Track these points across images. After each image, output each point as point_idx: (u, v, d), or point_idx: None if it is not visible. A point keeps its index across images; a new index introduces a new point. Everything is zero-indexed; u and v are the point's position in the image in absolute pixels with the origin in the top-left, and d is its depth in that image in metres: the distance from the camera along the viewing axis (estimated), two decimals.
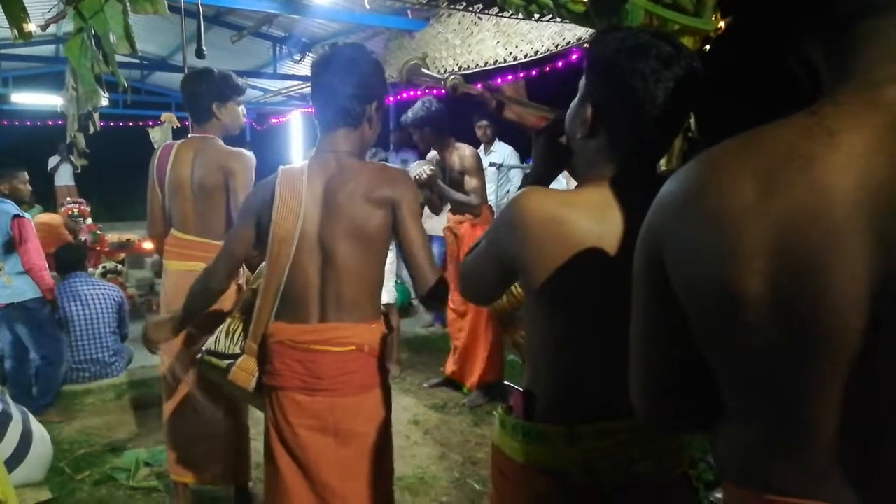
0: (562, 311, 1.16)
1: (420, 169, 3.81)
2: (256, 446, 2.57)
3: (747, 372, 0.75)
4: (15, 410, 1.02)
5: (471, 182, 3.85)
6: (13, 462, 1.05)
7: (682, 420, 0.91)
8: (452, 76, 1.75)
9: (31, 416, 1.04)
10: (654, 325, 0.86)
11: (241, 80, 2.65)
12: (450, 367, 4.27)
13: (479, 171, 3.88)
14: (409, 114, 3.87)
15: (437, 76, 1.72)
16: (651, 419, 0.92)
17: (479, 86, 1.69)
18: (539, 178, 1.37)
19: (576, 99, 1.21)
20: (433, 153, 4.00)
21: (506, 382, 1.13)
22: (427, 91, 3.81)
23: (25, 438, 1.02)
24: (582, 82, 1.20)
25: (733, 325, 0.73)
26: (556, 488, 1.17)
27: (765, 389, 0.74)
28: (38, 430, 1.01)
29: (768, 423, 0.75)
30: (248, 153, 2.58)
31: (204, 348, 1.92)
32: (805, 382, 0.70)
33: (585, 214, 1.12)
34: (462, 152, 3.89)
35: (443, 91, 1.93)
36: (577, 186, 1.23)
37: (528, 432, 1.21)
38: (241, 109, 2.70)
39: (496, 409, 3.74)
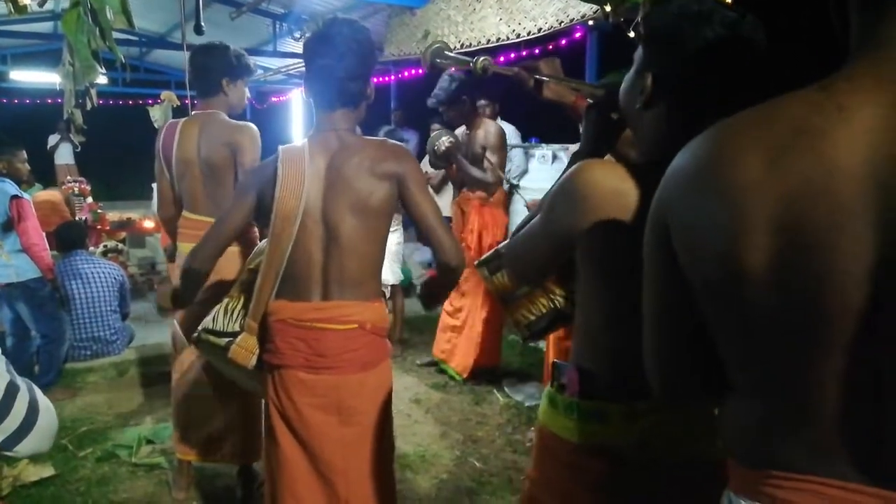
0: (622, 285, 1.11)
1: (440, 140, 3.78)
2: None
3: (749, 348, 0.75)
4: (20, 381, 1.03)
5: (491, 158, 3.80)
6: (22, 432, 1.05)
7: (694, 392, 0.91)
8: (483, 58, 1.70)
9: (35, 386, 1.05)
10: (663, 300, 0.86)
11: (251, 61, 2.63)
12: (439, 347, 4.20)
13: (501, 148, 3.84)
14: (438, 93, 3.78)
15: (464, 58, 1.68)
16: (663, 390, 0.92)
17: (513, 64, 1.64)
18: (589, 154, 1.32)
19: (631, 71, 1.17)
20: (461, 129, 3.95)
21: (555, 360, 1.13)
22: (453, 72, 3.72)
23: (32, 408, 1.03)
24: (637, 53, 1.16)
25: (735, 300, 0.72)
26: (613, 469, 1.14)
27: (766, 366, 0.74)
28: (43, 400, 1.01)
29: (770, 400, 0.75)
30: (254, 127, 2.53)
31: (201, 327, 1.90)
32: (806, 359, 0.70)
33: (646, 188, 1.07)
34: (488, 128, 3.85)
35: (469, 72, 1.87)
36: (637, 160, 1.19)
37: (584, 410, 1.17)
38: (246, 91, 2.67)
39: (496, 389, 3.73)
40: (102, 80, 2.44)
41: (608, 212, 1.08)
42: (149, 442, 3.21)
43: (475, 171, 3.80)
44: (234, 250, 2.27)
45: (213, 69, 2.53)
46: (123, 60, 2.28)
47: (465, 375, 4.01)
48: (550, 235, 1.20)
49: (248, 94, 2.68)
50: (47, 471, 2.92)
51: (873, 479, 0.69)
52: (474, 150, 3.84)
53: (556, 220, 1.17)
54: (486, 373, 4.05)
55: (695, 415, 1.15)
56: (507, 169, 5.71)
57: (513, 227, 5.20)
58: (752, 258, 0.69)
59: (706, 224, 0.73)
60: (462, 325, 4.04)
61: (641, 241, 1.05)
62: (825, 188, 0.65)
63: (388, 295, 4.26)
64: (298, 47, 7.84)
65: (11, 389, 1.10)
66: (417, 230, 1.76)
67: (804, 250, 0.66)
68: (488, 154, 3.80)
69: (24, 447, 1.11)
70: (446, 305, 4.19)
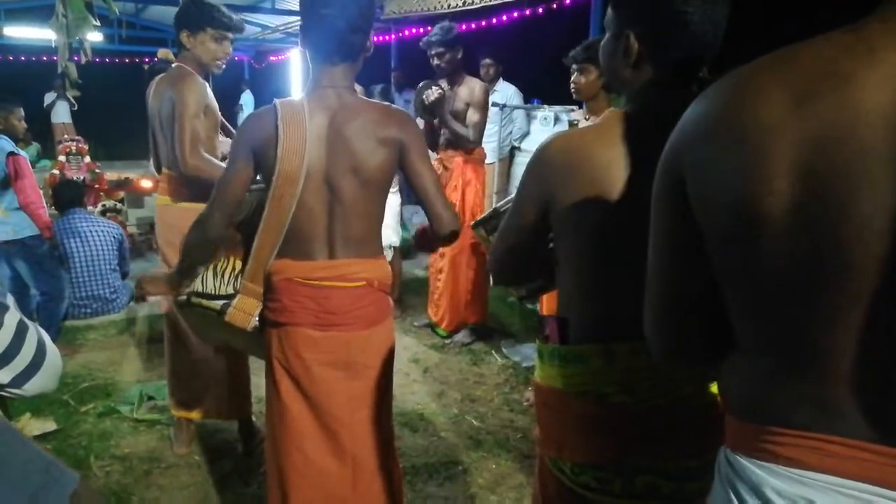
0: (586, 235, 1.18)
1: (429, 90, 3.74)
2: (258, 381, 2.60)
3: (761, 300, 0.73)
4: (28, 322, 1.05)
5: (473, 117, 3.80)
6: (32, 370, 1.08)
7: (693, 355, 0.90)
8: None
9: (39, 327, 1.07)
10: (669, 252, 0.84)
11: (224, 14, 2.47)
12: (431, 310, 4.29)
13: (483, 107, 3.84)
14: (438, 32, 3.74)
15: None
16: (661, 349, 0.91)
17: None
18: None
19: (607, 36, 1.20)
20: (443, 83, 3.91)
21: (542, 314, 1.15)
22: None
23: (40, 348, 1.06)
24: (609, 16, 1.18)
25: (750, 249, 0.70)
26: (596, 408, 1.19)
27: (778, 319, 0.72)
28: (48, 341, 1.04)
29: (780, 354, 0.73)
30: (197, 79, 2.46)
31: (187, 291, 1.84)
32: (820, 312, 0.68)
33: (607, 141, 1.14)
34: (472, 85, 3.83)
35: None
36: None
37: (564, 356, 1.22)
38: (225, 47, 2.53)
39: (493, 349, 3.76)
40: (97, 36, 2.40)
41: (567, 167, 1.16)
42: (150, 398, 3.24)
43: (458, 127, 3.79)
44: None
45: (176, 22, 2.49)
46: (117, 13, 2.24)
47: (449, 329, 4.15)
48: (528, 207, 1.26)
49: (223, 48, 2.52)
50: (49, 425, 2.96)
51: (879, 436, 0.67)
52: (457, 106, 3.83)
53: (527, 192, 1.26)
54: (476, 329, 4.14)
55: None
56: (508, 131, 5.67)
57: (513, 189, 5.15)
58: (771, 204, 0.67)
59: (725, 168, 0.71)
60: (444, 286, 4.13)
61: (602, 192, 1.12)
62: (851, 132, 0.63)
63: (390, 256, 4.27)
64: (297, 5, 7.69)
65: (21, 328, 1.12)
66: (415, 197, 1.76)
67: (825, 196, 0.64)
68: (471, 112, 3.79)
69: (33, 385, 1.13)
70: (431, 268, 4.30)
